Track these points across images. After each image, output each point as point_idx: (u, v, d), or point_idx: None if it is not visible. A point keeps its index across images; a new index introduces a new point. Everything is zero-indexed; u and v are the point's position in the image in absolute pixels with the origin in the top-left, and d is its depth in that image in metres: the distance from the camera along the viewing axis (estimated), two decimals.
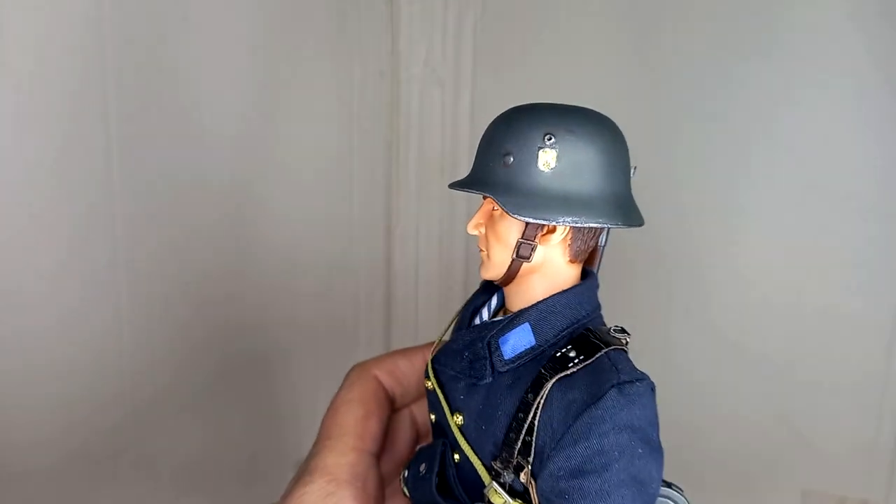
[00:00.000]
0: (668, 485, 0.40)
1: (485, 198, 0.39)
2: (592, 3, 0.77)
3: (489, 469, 0.38)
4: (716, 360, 0.76)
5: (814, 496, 0.74)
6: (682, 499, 0.40)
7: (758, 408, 0.75)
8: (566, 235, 0.38)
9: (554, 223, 0.36)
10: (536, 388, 0.36)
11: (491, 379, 0.38)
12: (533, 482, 0.36)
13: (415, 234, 0.91)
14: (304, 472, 0.41)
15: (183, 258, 0.70)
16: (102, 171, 0.62)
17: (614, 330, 0.38)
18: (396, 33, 0.86)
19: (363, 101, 0.86)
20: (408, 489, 0.43)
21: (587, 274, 0.41)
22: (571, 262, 0.39)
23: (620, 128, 0.39)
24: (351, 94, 0.85)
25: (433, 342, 0.45)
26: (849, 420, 0.72)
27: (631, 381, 0.35)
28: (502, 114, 0.39)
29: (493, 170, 0.38)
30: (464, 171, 0.41)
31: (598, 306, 0.40)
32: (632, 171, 0.39)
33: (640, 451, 0.34)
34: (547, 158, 0.36)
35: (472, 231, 0.40)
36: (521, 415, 0.36)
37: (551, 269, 0.39)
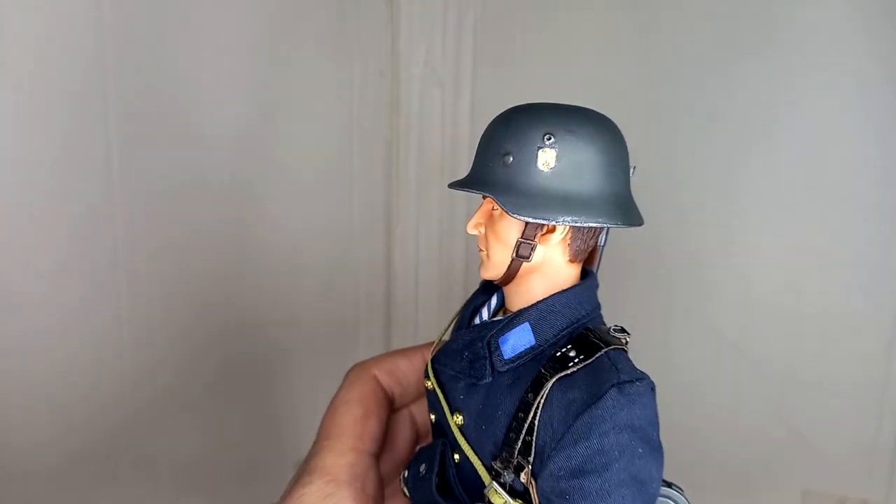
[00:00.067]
0: (669, 484, 0.40)
1: (484, 197, 0.39)
2: (592, 3, 0.77)
3: (489, 469, 0.38)
4: (715, 360, 0.76)
5: (814, 496, 0.74)
6: (683, 499, 0.40)
7: (758, 408, 0.75)
8: (566, 235, 0.38)
9: (553, 223, 0.36)
10: (536, 387, 0.36)
11: (491, 379, 0.38)
12: (533, 482, 0.36)
13: (415, 234, 0.91)
14: (303, 472, 0.41)
15: (183, 258, 0.70)
16: (102, 171, 0.62)
17: (614, 329, 0.39)
18: (396, 33, 0.86)
19: (363, 101, 0.86)
20: (408, 489, 0.43)
21: (587, 274, 0.41)
22: (571, 261, 0.39)
23: (620, 127, 0.39)
24: (351, 94, 0.85)
25: (433, 342, 0.45)
26: (849, 420, 0.72)
27: (631, 381, 0.35)
28: (502, 113, 0.39)
29: (492, 169, 0.38)
30: (464, 171, 0.41)
31: (598, 306, 0.40)
32: (631, 170, 0.39)
33: (640, 450, 0.34)
34: (546, 158, 0.36)
35: (471, 231, 0.40)
36: (521, 414, 0.36)
37: (551, 269, 0.39)
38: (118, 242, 0.64)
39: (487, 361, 0.38)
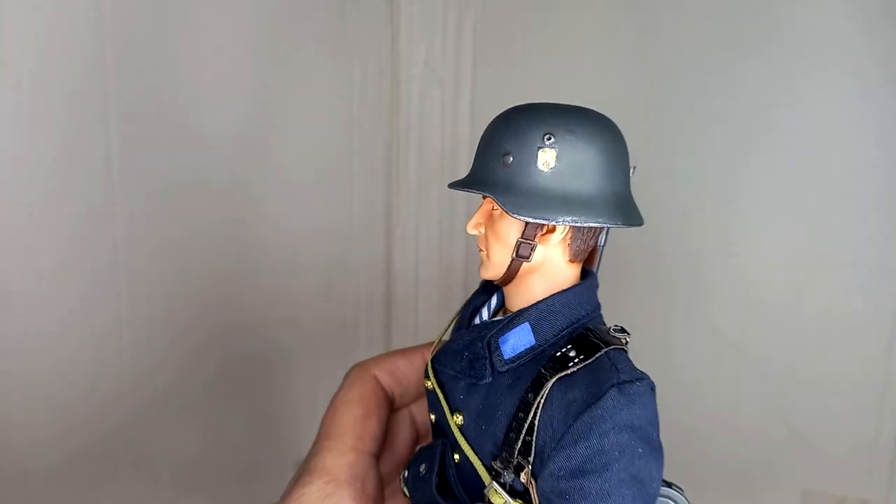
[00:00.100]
0: (669, 484, 0.40)
1: (484, 197, 0.39)
2: (592, 3, 0.77)
3: (489, 469, 0.38)
4: (715, 360, 0.76)
5: (814, 496, 0.74)
6: (683, 499, 0.40)
7: (758, 408, 0.75)
8: (566, 235, 0.38)
9: (553, 223, 0.36)
10: (536, 387, 0.36)
11: (491, 379, 0.38)
12: (533, 482, 0.36)
13: (415, 234, 0.91)
14: (303, 472, 0.41)
15: (183, 258, 0.70)
16: (102, 171, 0.62)
17: (614, 329, 0.38)
18: (396, 33, 0.86)
19: (363, 101, 0.86)
20: (408, 489, 0.43)
21: (587, 273, 0.41)
22: (571, 261, 0.39)
23: (620, 127, 0.39)
24: (351, 94, 0.85)
25: (433, 342, 0.45)
26: (849, 420, 0.72)
27: (631, 381, 0.35)
28: (502, 113, 0.39)
29: (492, 169, 0.38)
30: (464, 171, 0.41)
31: (598, 306, 0.40)
32: (631, 170, 0.39)
33: (640, 450, 0.34)
34: (546, 158, 0.36)
35: (471, 231, 0.40)
36: (521, 414, 0.36)
37: (551, 269, 0.39)
38: (118, 242, 0.64)
39: (487, 361, 0.38)
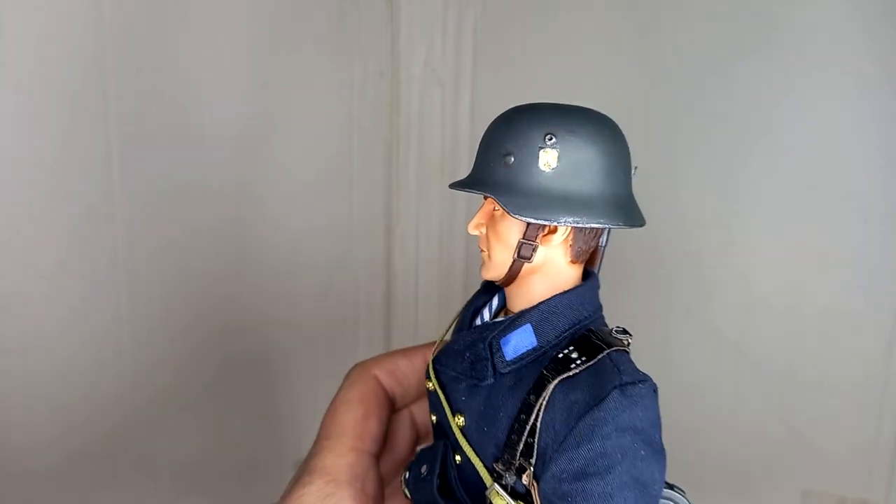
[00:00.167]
0: (670, 486, 0.40)
1: (485, 198, 0.39)
2: (592, 3, 0.77)
3: (491, 471, 0.38)
4: (715, 360, 0.76)
5: (814, 496, 0.74)
6: (684, 500, 0.40)
7: (758, 408, 0.75)
8: (567, 236, 0.38)
9: (555, 223, 0.36)
10: (538, 389, 0.36)
11: (492, 380, 0.38)
12: (535, 484, 0.36)
13: (415, 234, 0.91)
14: (303, 472, 0.41)
15: (183, 258, 0.70)
16: (102, 171, 0.62)
17: (616, 331, 0.38)
18: (396, 33, 0.86)
19: (363, 101, 0.86)
20: (409, 491, 0.43)
21: (588, 274, 0.41)
22: (573, 262, 0.39)
23: (620, 128, 0.39)
24: (351, 94, 0.85)
25: (433, 342, 0.45)
26: (849, 420, 0.72)
27: (633, 383, 0.35)
28: (503, 114, 0.39)
29: (493, 170, 0.37)
30: (464, 172, 0.41)
31: (600, 307, 0.40)
32: (633, 171, 0.39)
33: (642, 453, 0.34)
34: (548, 158, 0.36)
35: (472, 231, 0.40)
36: (523, 416, 0.36)
37: (552, 270, 0.38)
38: (118, 242, 0.64)
39: (489, 363, 0.38)
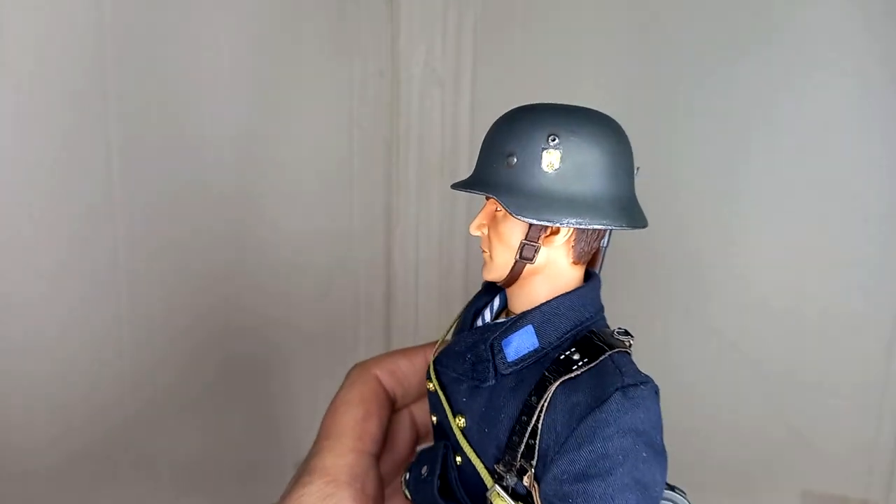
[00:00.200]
0: (672, 488, 0.40)
1: (487, 198, 0.39)
2: (592, 3, 0.77)
3: (492, 472, 0.38)
4: (715, 360, 0.76)
5: (814, 496, 0.75)
6: (685, 502, 0.40)
7: (758, 408, 0.75)
8: (570, 237, 0.38)
9: (557, 224, 0.36)
10: (540, 390, 0.36)
11: (494, 381, 0.38)
12: (536, 486, 0.35)
13: (415, 234, 0.91)
14: (303, 472, 0.41)
15: (183, 259, 0.70)
16: (102, 171, 0.62)
17: (618, 332, 0.38)
18: (396, 33, 0.86)
19: (363, 101, 0.86)
20: (409, 492, 0.43)
21: (590, 275, 0.40)
22: (575, 263, 0.39)
23: (621, 127, 0.39)
24: (351, 94, 0.85)
25: (434, 342, 0.45)
26: (849, 420, 0.72)
27: (635, 385, 0.35)
28: (505, 114, 0.39)
29: (495, 170, 0.37)
30: (464, 172, 0.41)
31: (602, 308, 0.40)
32: (635, 171, 0.39)
33: (644, 454, 0.34)
34: (550, 159, 0.36)
35: (474, 232, 0.40)
36: (524, 418, 0.36)
37: (554, 271, 0.38)
38: (118, 242, 0.64)
39: (490, 364, 0.38)
